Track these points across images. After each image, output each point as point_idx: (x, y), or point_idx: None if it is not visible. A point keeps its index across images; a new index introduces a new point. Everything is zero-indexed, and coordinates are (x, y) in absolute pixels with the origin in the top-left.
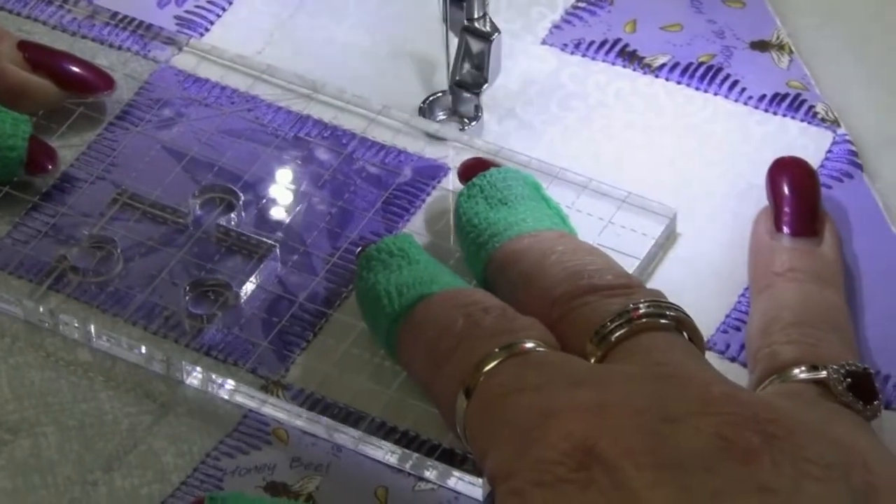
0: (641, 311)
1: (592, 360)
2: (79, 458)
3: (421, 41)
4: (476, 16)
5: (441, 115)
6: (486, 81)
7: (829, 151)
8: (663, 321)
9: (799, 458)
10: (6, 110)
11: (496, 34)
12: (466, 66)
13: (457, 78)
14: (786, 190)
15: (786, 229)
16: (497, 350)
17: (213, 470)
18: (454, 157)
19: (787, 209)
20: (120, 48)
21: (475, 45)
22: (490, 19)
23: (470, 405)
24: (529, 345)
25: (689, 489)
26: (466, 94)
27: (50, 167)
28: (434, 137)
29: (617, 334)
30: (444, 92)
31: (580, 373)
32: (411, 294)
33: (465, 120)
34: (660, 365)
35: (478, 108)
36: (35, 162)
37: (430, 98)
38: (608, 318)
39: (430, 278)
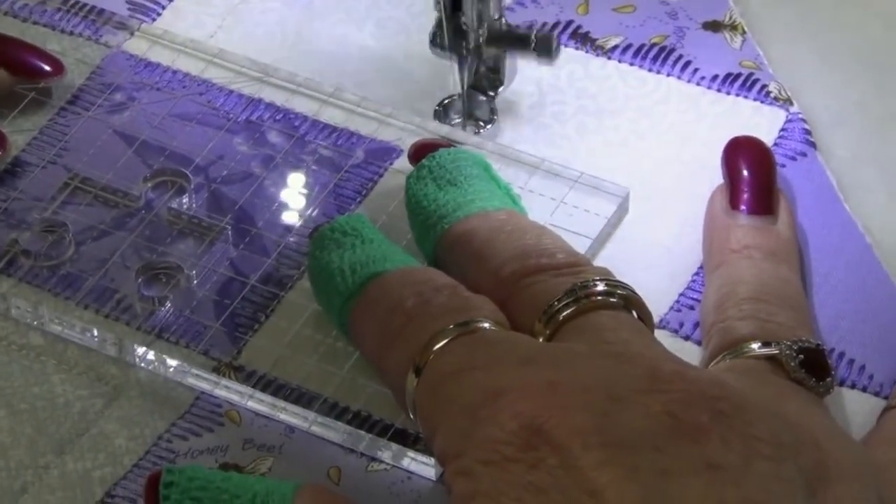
0: (590, 290)
1: (541, 340)
2: (31, 442)
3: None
4: (493, 18)
5: (456, 119)
6: (501, 84)
7: (783, 130)
8: (612, 300)
9: (748, 436)
10: None
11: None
12: (482, 69)
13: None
14: (742, 168)
15: (742, 207)
16: (448, 328)
17: (165, 452)
18: (406, 139)
19: (743, 188)
20: (71, 33)
21: (491, 49)
22: (506, 22)
23: (420, 384)
24: (481, 324)
25: (638, 468)
26: (481, 98)
27: (1, 153)
28: (449, 140)
29: (565, 313)
30: (458, 95)
31: (530, 352)
32: (364, 272)
33: (480, 123)
34: (608, 344)
35: (493, 111)
36: None
37: (446, 101)
38: (556, 297)
39: (382, 257)
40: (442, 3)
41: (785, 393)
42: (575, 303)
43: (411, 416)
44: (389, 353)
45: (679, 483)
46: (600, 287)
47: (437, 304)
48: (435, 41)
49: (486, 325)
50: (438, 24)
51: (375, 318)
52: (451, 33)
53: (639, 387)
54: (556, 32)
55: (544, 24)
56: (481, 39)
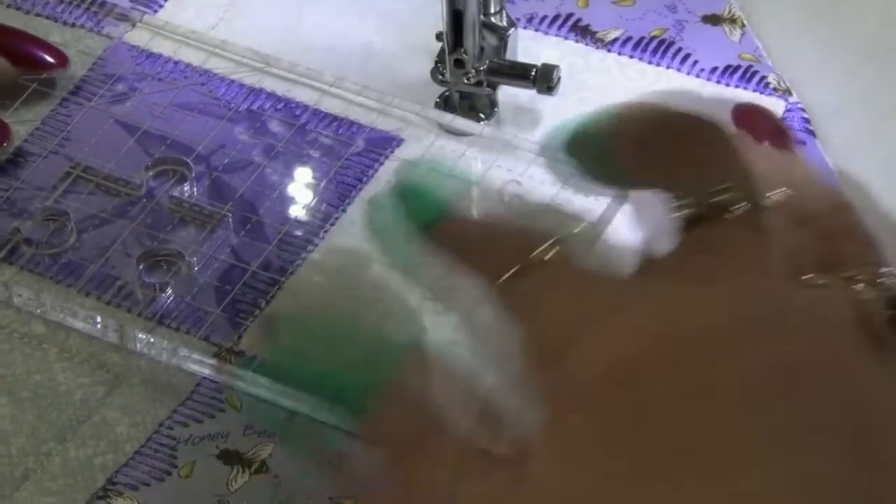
0: None
1: None
2: (32, 430)
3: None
4: (493, 10)
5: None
6: (496, 109)
7: (782, 119)
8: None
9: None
10: None
11: (513, 29)
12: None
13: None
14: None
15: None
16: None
17: (166, 439)
18: (406, 129)
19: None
20: (73, 25)
21: (492, 40)
22: (507, 14)
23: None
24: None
25: None
26: (482, 90)
27: (4, 143)
28: (449, 129)
29: None
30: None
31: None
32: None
33: (481, 115)
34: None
35: (493, 103)
36: None
37: (446, 93)
38: None
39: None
40: (445, 38)
41: None
42: None
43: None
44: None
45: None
46: None
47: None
48: (436, 74)
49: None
50: (440, 58)
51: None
52: (452, 67)
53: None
54: (558, 66)
55: (544, 17)
56: (482, 73)
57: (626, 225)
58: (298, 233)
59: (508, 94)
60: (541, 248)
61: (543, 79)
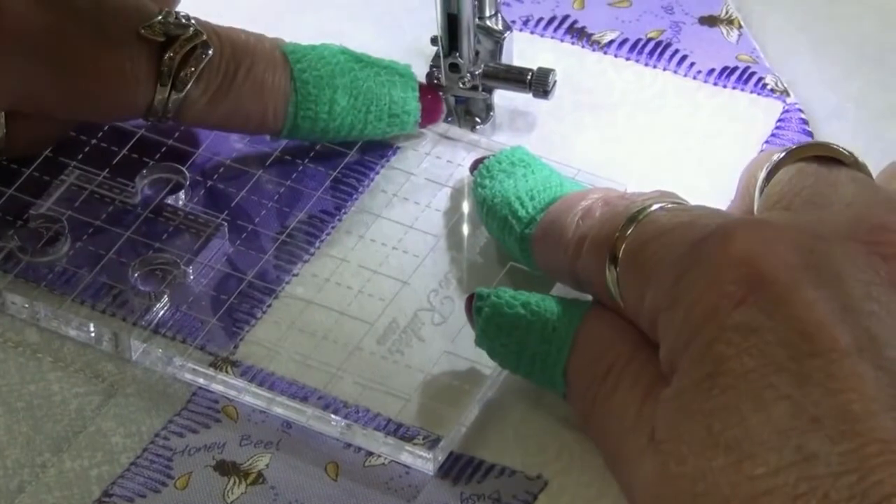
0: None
1: None
2: (27, 441)
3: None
4: (488, 14)
5: (450, 119)
6: (492, 113)
7: (780, 120)
8: None
9: None
10: (392, 65)
11: (508, 32)
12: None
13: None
14: None
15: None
16: (636, 212)
17: (162, 450)
18: (403, 137)
19: None
20: None
21: (487, 44)
22: (502, 17)
23: (621, 257)
24: (666, 205)
25: (848, 310)
26: (477, 94)
27: (440, 116)
28: (445, 137)
29: None
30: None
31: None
32: (543, 197)
33: (477, 119)
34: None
35: (489, 107)
36: (428, 114)
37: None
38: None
39: (559, 182)
40: (440, 42)
41: None
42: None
43: (619, 301)
44: (581, 256)
45: (890, 328)
46: None
47: (621, 205)
48: (431, 79)
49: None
50: (435, 62)
51: (562, 232)
52: (447, 71)
53: (845, 233)
54: (553, 70)
55: (540, 20)
56: (478, 77)
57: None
58: (294, 242)
59: (504, 97)
60: (637, 209)
61: (539, 83)
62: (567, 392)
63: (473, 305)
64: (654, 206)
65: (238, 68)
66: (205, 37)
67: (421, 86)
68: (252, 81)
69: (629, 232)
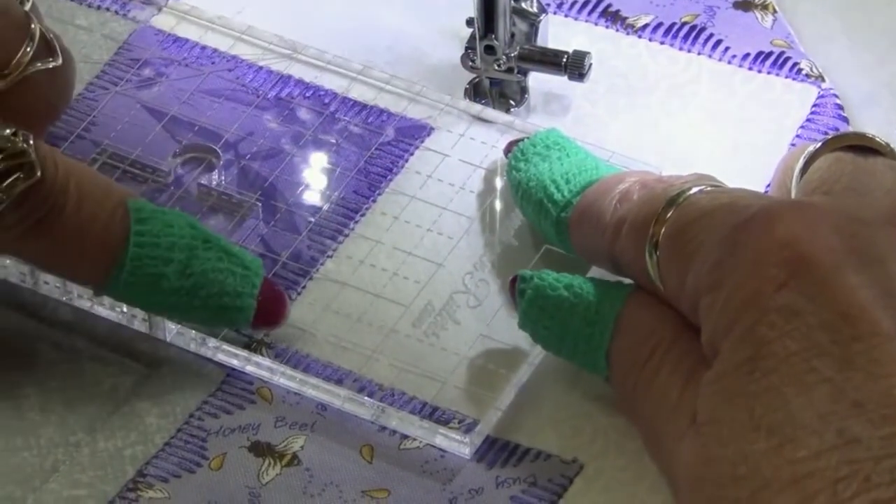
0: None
1: None
2: (61, 420)
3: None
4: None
5: (485, 101)
6: (527, 96)
7: (815, 106)
8: None
9: None
10: (240, 255)
11: (543, 15)
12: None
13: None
14: None
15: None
16: (675, 195)
17: (196, 430)
18: (436, 117)
19: None
20: (99, 8)
21: (523, 26)
22: (538, 0)
23: (662, 240)
24: (705, 188)
25: (892, 294)
26: (512, 77)
27: (281, 321)
28: (479, 119)
29: None
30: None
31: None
32: (579, 180)
33: (511, 102)
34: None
35: (524, 89)
36: (264, 316)
37: (475, 79)
38: None
39: (594, 165)
40: (476, 23)
41: None
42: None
43: (657, 283)
44: (619, 239)
45: None
46: None
47: (659, 188)
48: (466, 61)
49: (708, 187)
50: (470, 44)
51: (599, 215)
52: (482, 53)
53: (886, 218)
54: (589, 53)
55: (574, 3)
56: (513, 59)
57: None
58: (328, 223)
59: (539, 80)
60: (676, 192)
61: (575, 65)
62: (609, 375)
63: (517, 287)
64: (694, 189)
65: (66, 204)
66: (32, 158)
67: (266, 283)
68: (79, 223)
69: (669, 215)
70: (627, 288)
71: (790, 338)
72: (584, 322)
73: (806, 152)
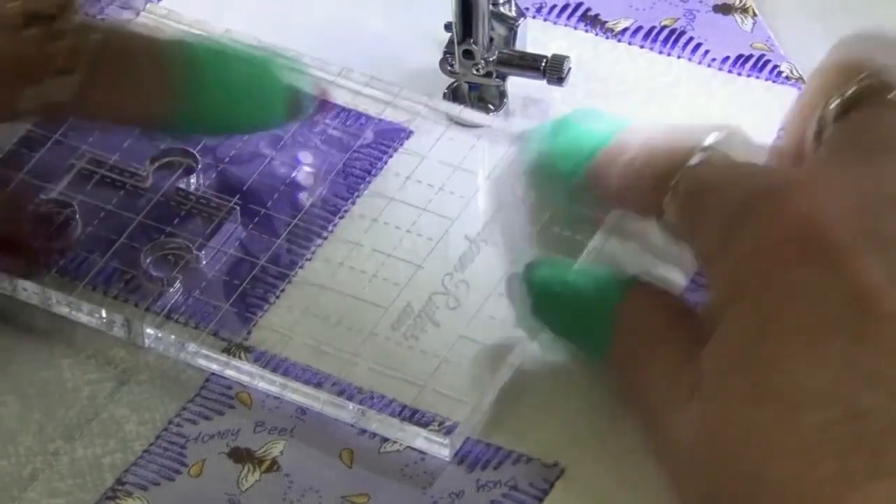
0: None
1: None
2: (39, 428)
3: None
4: (502, 0)
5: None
6: (505, 100)
7: None
8: None
9: None
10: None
11: (522, 19)
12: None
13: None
14: None
15: None
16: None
17: (175, 437)
18: (415, 121)
19: None
20: (76, 13)
21: (501, 30)
22: (515, 3)
23: (677, 197)
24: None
25: None
26: (491, 81)
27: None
28: (458, 121)
29: None
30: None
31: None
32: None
33: (490, 107)
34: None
35: (503, 94)
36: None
37: (454, 84)
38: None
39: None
40: (454, 28)
41: None
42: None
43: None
44: (639, 182)
45: None
46: None
47: (683, 135)
48: (445, 65)
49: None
50: (449, 48)
51: (623, 157)
52: (461, 57)
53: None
54: (568, 56)
55: (553, 7)
56: (492, 64)
57: None
58: (307, 226)
59: (517, 84)
60: (693, 157)
61: (554, 69)
62: (608, 360)
63: (525, 278)
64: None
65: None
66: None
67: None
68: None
69: (694, 161)
70: (624, 282)
71: (801, 312)
72: (583, 312)
73: (832, 107)
